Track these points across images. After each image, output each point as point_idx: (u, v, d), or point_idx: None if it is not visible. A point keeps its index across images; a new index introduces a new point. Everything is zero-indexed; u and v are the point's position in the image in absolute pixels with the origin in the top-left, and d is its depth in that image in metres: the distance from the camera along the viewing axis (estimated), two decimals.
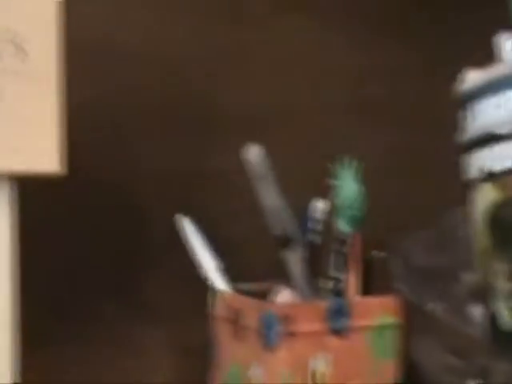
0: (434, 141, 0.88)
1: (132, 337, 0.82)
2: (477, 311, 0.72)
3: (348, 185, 0.66)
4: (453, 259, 0.75)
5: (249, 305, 0.68)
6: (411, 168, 0.90)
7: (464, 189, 0.62)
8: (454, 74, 0.63)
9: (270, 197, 0.66)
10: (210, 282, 0.73)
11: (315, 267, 0.69)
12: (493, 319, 0.58)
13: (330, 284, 0.67)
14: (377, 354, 0.66)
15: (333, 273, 0.67)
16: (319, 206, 0.71)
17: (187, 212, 0.76)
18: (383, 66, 0.94)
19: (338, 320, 0.65)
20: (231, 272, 0.74)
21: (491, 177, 0.59)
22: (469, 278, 0.74)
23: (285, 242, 0.67)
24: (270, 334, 0.64)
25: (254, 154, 0.67)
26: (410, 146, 0.94)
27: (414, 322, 0.75)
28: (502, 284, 0.57)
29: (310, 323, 0.64)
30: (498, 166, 0.58)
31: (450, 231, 0.76)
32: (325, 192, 0.68)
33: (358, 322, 0.65)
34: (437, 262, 0.76)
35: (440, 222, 0.76)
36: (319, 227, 0.70)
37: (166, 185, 0.84)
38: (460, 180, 0.62)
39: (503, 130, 0.58)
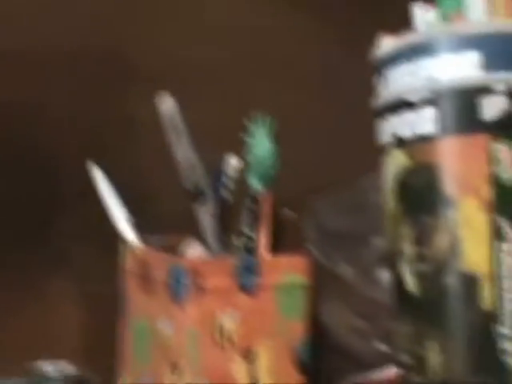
0: (353, 104, 0.90)
1: (40, 285, 0.82)
2: (385, 275, 0.74)
3: (261, 142, 0.66)
4: (364, 224, 0.77)
5: (158, 258, 0.68)
6: (328, 131, 0.91)
7: (378, 154, 0.63)
8: (369, 38, 0.64)
9: (183, 149, 0.66)
10: (120, 234, 0.73)
11: (227, 223, 0.70)
12: (398, 283, 0.60)
13: (241, 241, 0.68)
14: (285, 314, 0.67)
15: (244, 230, 0.68)
16: (232, 163, 0.71)
17: (98, 161, 0.75)
18: (300, 28, 0.94)
19: (246, 277, 0.65)
20: (142, 224, 0.74)
21: (401, 143, 0.60)
22: (379, 243, 0.76)
23: (196, 196, 0.68)
24: (178, 287, 0.64)
25: (166, 104, 0.67)
26: (327, 108, 0.95)
27: (323, 284, 0.77)
28: (407, 248, 0.59)
29: (218, 279, 0.64)
30: (408, 132, 0.60)
31: (362, 196, 0.77)
32: (238, 148, 0.69)
33: (267, 281, 0.66)
34: (349, 225, 0.78)
35: (354, 186, 0.77)
36: (231, 183, 0.70)
37: (77, 133, 0.84)
38: (374, 145, 0.64)
39: (414, 98, 0.60)
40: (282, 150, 0.67)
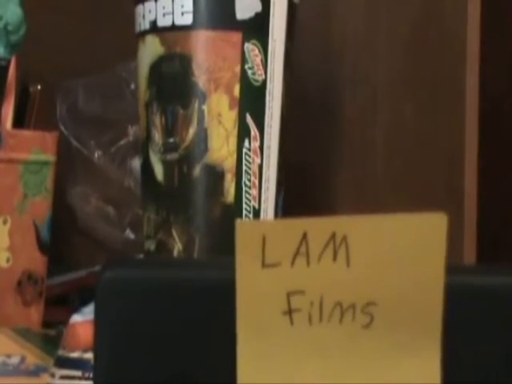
0: None
1: None
2: (137, 164, 0.75)
3: (9, 5, 0.63)
4: (122, 111, 0.77)
5: None
6: (86, 13, 0.87)
7: (136, 40, 0.63)
8: None
9: None
10: None
11: None
12: (147, 171, 0.61)
13: None
14: (28, 191, 0.66)
15: None
16: None
17: None
18: None
19: None
20: None
21: (158, 31, 0.60)
22: (135, 131, 0.77)
23: None
24: None
25: None
26: None
27: (74, 167, 0.76)
28: (157, 137, 0.60)
29: None
30: (165, 21, 0.60)
31: (122, 82, 0.77)
32: None
33: (10, 155, 0.64)
34: (106, 111, 0.78)
35: (114, 71, 0.77)
36: None
37: None
38: (133, 31, 0.63)
39: None
40: (40, 22, 0.64)
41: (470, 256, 0.66)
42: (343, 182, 0.78)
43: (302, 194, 0.74)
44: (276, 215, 0.60)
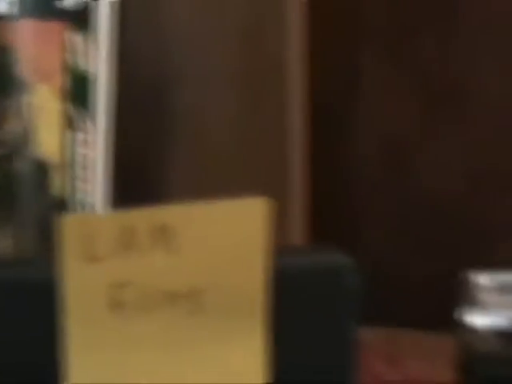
0: None
1: None
2: None
3: None
4: None
5: None
6: None
7: None
8: None
9: None
10: None
11: None
12: None
13: None
14: None
15: None
16: None
17: None
18: None
19: None
20: None
21: None
22: None
23: None
24: None
25: None
26: None
27: None
28: None
29: None
30: None
31: None
32: None
33: None
34: None
35: None
36: None
37: None
38: None
39: None
40: None
41: (300, 238, 0.68)
42: (178, 174, 0.78)
43: (135, 186, 0.74)
44: (107, 208, 0.60)
